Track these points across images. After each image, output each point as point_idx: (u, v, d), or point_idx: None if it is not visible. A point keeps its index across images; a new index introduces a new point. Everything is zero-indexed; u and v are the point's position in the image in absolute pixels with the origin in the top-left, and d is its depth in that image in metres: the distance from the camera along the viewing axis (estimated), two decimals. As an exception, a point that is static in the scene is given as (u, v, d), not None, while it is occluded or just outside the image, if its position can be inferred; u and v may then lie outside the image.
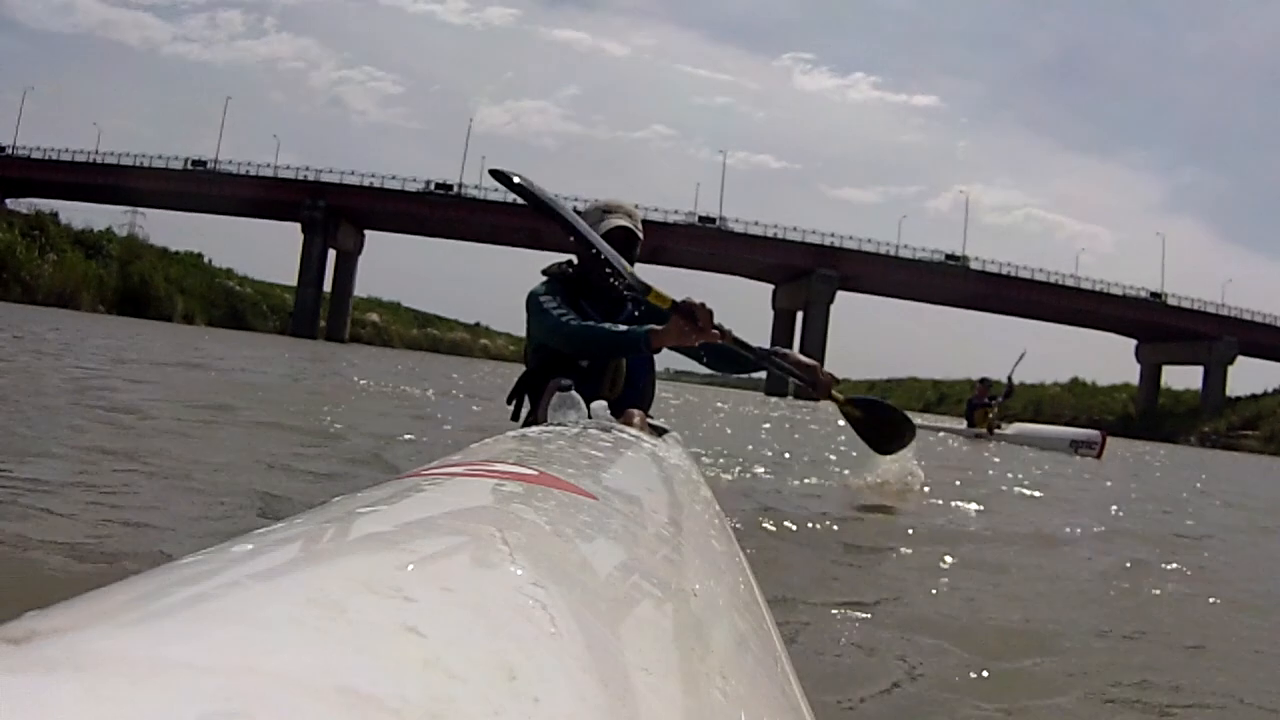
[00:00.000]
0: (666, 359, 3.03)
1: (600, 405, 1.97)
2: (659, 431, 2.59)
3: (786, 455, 7.07)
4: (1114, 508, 5.27)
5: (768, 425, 12.32)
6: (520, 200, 2.65)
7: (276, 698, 0.28)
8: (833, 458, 6.73)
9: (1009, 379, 14.62)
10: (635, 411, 2.56)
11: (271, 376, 9.94)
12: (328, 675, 0.30)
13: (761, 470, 5.53)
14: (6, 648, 0.30)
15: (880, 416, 3.55)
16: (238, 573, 0.39)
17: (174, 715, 0.27)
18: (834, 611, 2.14)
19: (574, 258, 2.91)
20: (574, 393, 1.95)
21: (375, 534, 0.51)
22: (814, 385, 3.14)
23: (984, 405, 14.35)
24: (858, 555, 2.97)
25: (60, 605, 0.35)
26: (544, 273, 2.94)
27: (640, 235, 2.86)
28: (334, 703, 0.29)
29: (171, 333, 21.74)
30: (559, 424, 1.73)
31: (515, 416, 2.84)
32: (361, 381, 10.16)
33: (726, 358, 3.05)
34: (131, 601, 0.35)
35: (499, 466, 0.80)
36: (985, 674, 1.77)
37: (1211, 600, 2.76)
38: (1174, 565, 3.33)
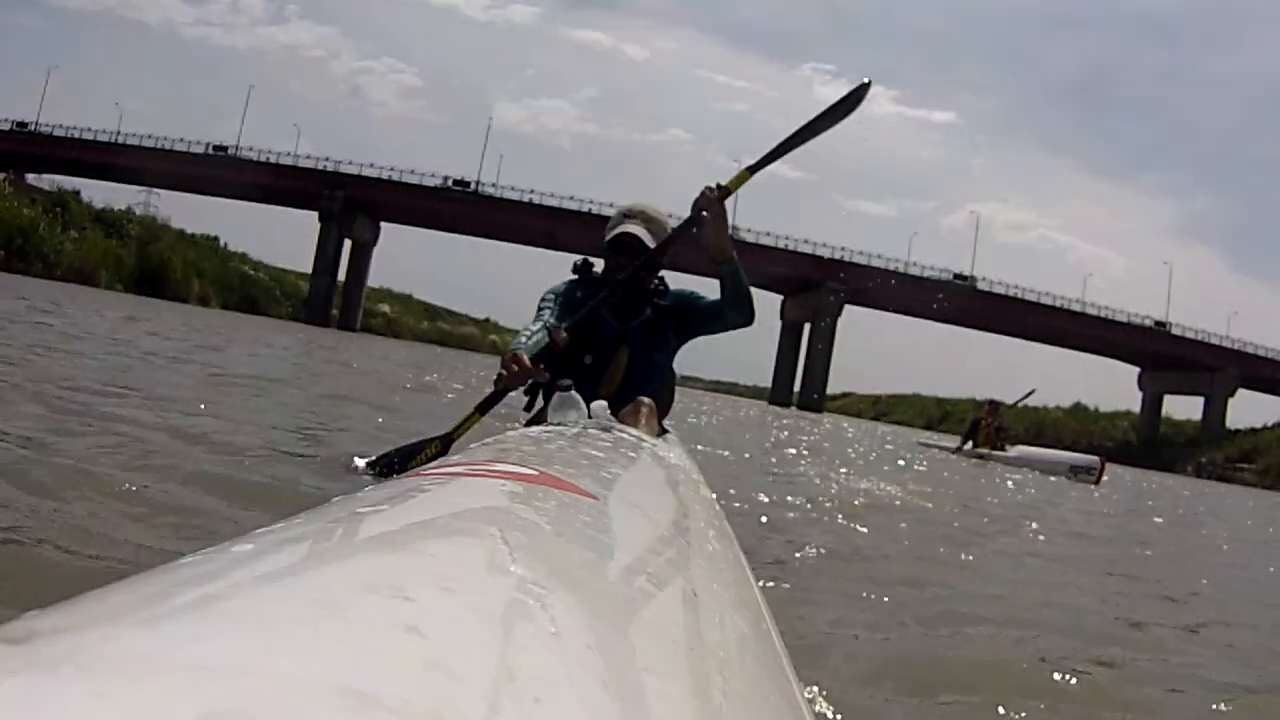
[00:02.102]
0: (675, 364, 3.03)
1: (600, 405, 1.97)
2: (660, 431, 2.59)
3: (784, 456, 7.07)
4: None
5: (773, 433, 12.33)
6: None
7: (278, 698, 0.28)
8: (831, 459, 6.73)
9: (1005, 408, 14.83)
10: (644, 401, 2.54)
11: (329, 363, 10.86)
12: (329, 675, 0.30)
13: (761, 470, 5.53)
14: (7, 648, 0.29)
15: (805, 128, 2.82)
16: (238, 573, 0.39)
17: (175, 715, 0.27)
18: (834, 611, 2.14)
19: (588, 259, 2.96)
20: (574, 393, 1.95)
21: (376, 534, 0.51)
22: (705, 210, 2.58)
23: (988, 426, 14.52)
24: (858, 554, 2.97)
25: (60, 605, 0.35)
26: (573, 269, 2.96)
27: (653, 244, 2.84)
28: (335, 703, 0.29)
29: (200, 315, 21.99)
30: (559, 424, 1.73)
31: (529, 408, 2.84)
32: (407, 379, 10.57)
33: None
34: (132, 602, 0.35)
35: (499, 466, 0.80)
36: (986, 672, 1.78)
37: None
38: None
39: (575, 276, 2.92)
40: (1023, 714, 1.57)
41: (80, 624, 0.32)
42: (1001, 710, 1.57)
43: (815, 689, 1.43)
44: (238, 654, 0.30)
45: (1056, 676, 1.79)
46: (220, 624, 0.33)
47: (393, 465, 2.77)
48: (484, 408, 2.70)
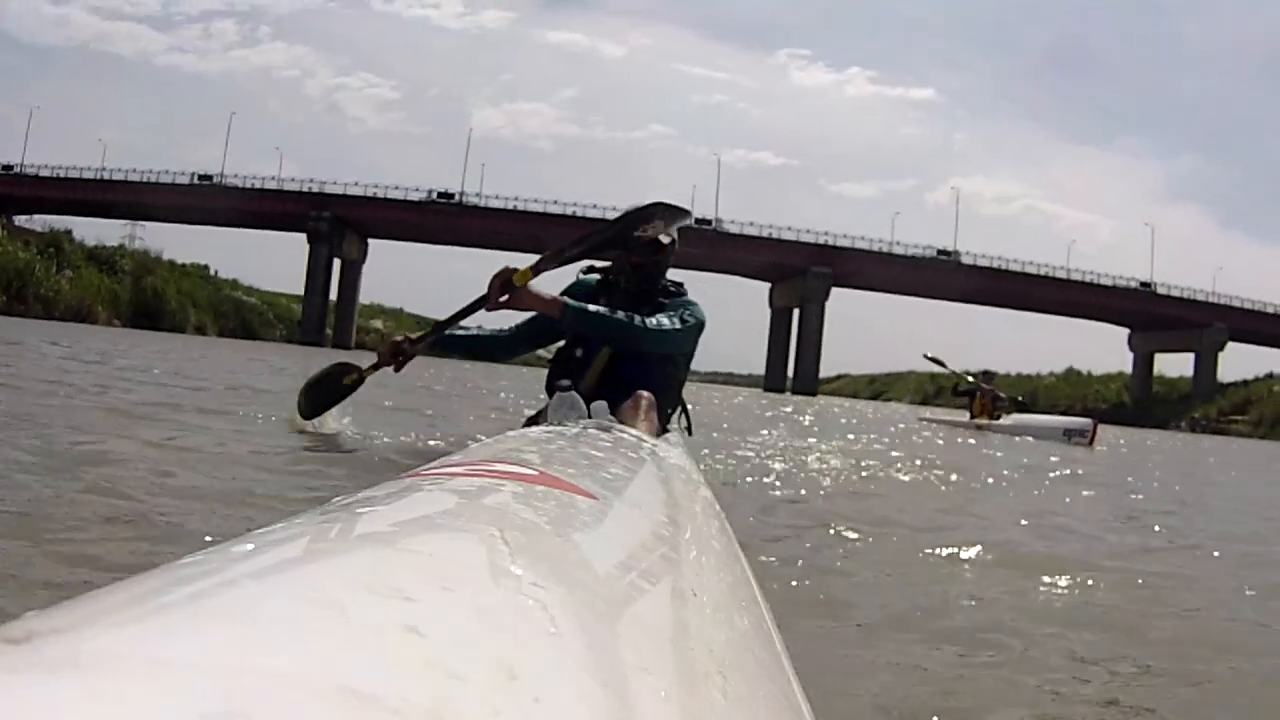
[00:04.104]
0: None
1: (600, 405, 1.97)
2: (662, 430, 2.59)
3: (780, 447, 7.07)
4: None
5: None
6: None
7: (276, 697, 0.28)
8: (829, 453, 6.73)
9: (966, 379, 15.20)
10: (642, 395, 2.54)
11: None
12: (328, 675, 0.30)
13: (759, 465, 5.53)
14: (7, 648, 0.29)
15: (565, 251, 2.83)
16: (238, 573, 0.39)
17: (174, 715, 0.27)
18: (835, 609, 2.14)
19: (593, 263, 2.98)
20: (574, 393, 1.95)
21: (375, 534, 0.51)
22: (489, 294, 2.74)
23: (983, 397, 14.88)
24: (858, 551, 2.96)
25: (60, 605, 0.35)
26: (579, 273, 2.98)
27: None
28: (334, 703, 0.29)
29: (210, 346, 22.47)
30: (559, 424, 1.74)
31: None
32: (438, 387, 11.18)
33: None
34: (131, 601, 0.35)
35: (499, 466, 0.80)
36: (986, 670, 1.77)
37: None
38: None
39: (599, 277, 2.96)
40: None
41: (80, 624, 0.32)
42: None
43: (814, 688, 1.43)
44: (237, 654, 0.30)
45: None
46: (220, 624, 0.33)
47: (321, 393, 3.62)
48: (374, 368, 3.45)
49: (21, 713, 0.26)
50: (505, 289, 2.71)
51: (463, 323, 3.22)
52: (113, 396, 5.25)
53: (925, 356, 16.02)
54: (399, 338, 3.36)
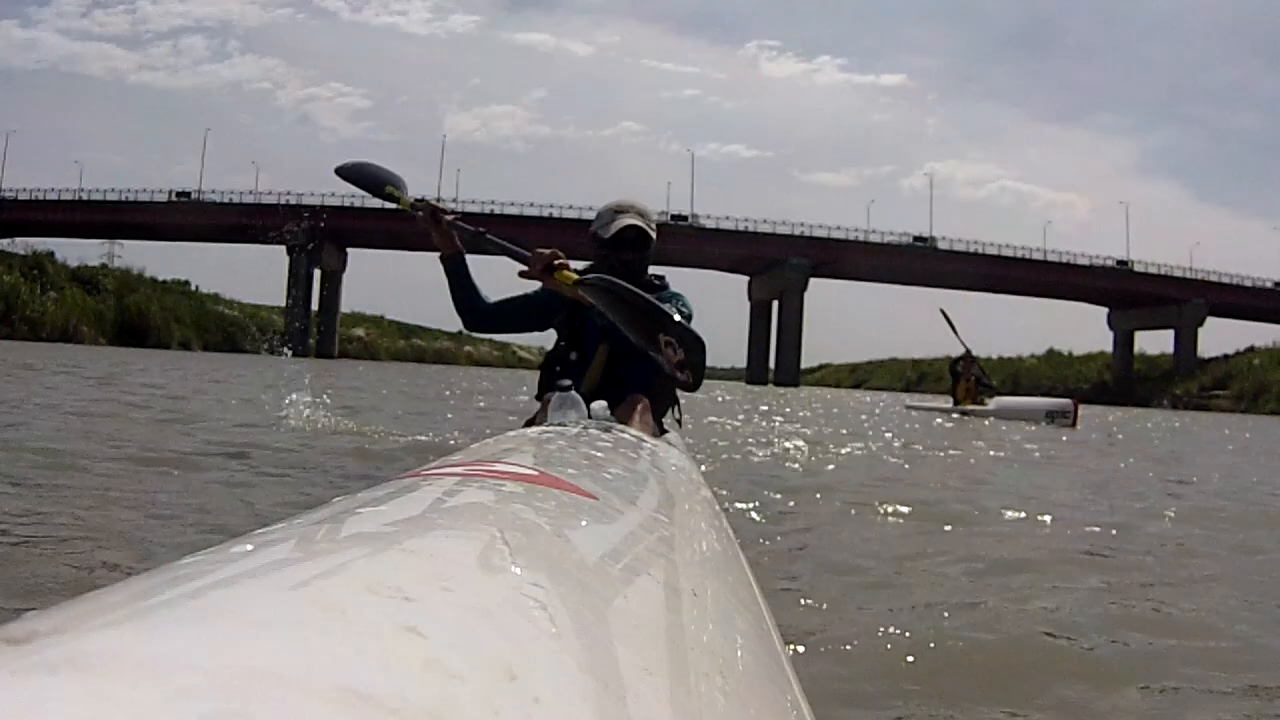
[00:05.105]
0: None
1: (600, 405, 1.97)
2: (660, 430, 2.59)
3: (762, 439, 7.08)
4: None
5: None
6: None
7: (276, 698, 0.28)
8: (825, 447, 6.73)
9: (964, 357, 15.27)
10: (637, 397, 2.54)
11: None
12: (328, 675, 0.30)
13: (757, 461, 5.54)
14: (7, 648, 0.29)
15: (624, 301, 2.47)
16: (238, 573, 0.39)
17: (174, 715, 0.27)
18: (834, 609, 2.14)
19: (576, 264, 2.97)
20: (574, 393, 1.95)
21: (375, 534, 0.51)
22: (531, 263, 2.63)
23: (967, 380, 15.06)
24: (857, 550, 2.96)
25: (61, 605, 0.35)
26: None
27: (653, 234, 2.85)
28: (334, 703, 0.29)
29: (200, 361, 23.11)
30: (559, 424, 1.73)
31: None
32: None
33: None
34: (131, 601, 0.35)
35: (499, 466, 0.80)
36: (988, 668, 1.77)
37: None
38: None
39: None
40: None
41: (80, 624, 0.32)
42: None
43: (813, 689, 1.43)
44: (238, 654, 0.30)
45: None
46: (220, 624, 0.33)
47: (367, 178, 3.30)
48: (411, 206, 3.14)
49: (21, 713, 0.26)
50: (544, 272, 2.61)
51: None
52: (159, 412, 6.28)
53: (940, 311, 16.05)
54: (446, 208, 3.20)
